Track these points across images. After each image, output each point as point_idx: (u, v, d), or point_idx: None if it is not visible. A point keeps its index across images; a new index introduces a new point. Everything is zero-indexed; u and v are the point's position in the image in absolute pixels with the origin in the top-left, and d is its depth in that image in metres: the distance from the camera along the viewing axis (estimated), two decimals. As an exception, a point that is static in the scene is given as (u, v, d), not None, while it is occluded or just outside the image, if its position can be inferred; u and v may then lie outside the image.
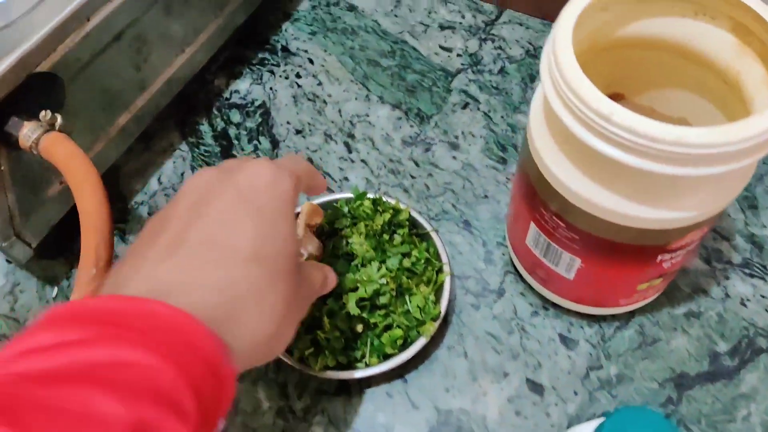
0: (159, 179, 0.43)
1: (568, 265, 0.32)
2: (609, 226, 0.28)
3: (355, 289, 0.33)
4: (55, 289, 0.39)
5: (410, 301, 0.34)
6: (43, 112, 0.31)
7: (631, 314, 0.37)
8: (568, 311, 0.37)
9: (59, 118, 0.32)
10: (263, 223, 0.23)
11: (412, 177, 0.43)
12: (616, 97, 0.34)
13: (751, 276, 0.39)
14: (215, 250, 0.22)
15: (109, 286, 0.22)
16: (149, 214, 0.42)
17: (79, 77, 0.34)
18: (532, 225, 0.32)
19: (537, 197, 0.30)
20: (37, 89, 0.32)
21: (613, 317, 0.37)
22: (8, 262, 0.40)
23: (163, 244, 0.22)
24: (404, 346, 0.33)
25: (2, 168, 0.32)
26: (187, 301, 0.20)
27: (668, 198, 0.26)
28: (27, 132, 0.30)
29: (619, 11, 0.29)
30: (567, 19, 0.26)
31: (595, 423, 0.28)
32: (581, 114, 0.24)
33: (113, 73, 0.37)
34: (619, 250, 0.29)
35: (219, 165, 0.26)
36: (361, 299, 0.33)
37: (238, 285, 0.22)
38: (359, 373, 0.33)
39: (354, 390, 0.35)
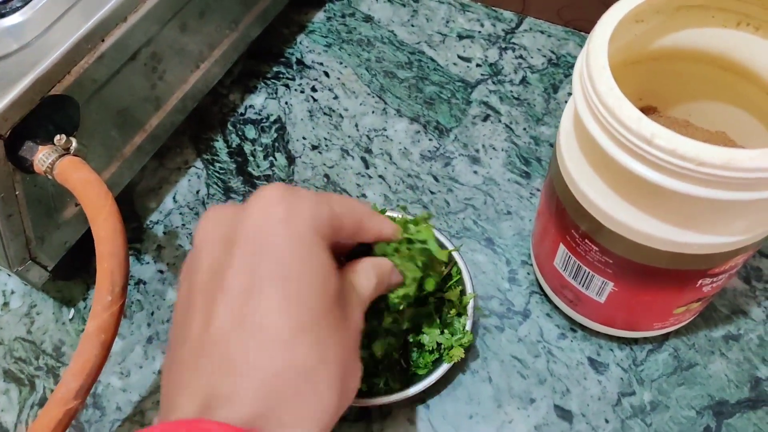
0: (174, 197, 0.42)
1: (599, 288, 0.31)
2: (647, 250, 0.26)
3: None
4: (72, 310, 0.39)
5: (438, 327, 0.32)
6: (57, 136, 0.31)
7: (665, 337, 0.35)
8: (598, 334, 0.35)
9: (74, 142, 0.31)
10: (288, 281, 0.21)
11: (432, 192, 0.41)
12: (649, 110, 0.33)
13: (792, 295, 0.37)
14: (248, 338, 0.20)
15: (163, 408, 0.21)
16: (164, 233, 0.41)
17: (94, 98, 0.33)
18: (561, 246, 0.31)
19: (567, 218, 0.29)
20: (51, 112, 0.31)
21: (646, 340, 0.35)
22: (24, 284, 0.39)
23: (195, 340, 0.21)
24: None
25: (17, 193, 0.31)
26: (231, 411, 0.19)
27: (713, 222, 0.25)
28: (42, 157, 0.30)
29: (656, 22, 0.27)
30: (601, 35, 0.24)
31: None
32: (620, 136, 0.23)
33: (128, 92, 0.36)
34: (656, 274, 0.28)
35: (228, 204, 0.24)
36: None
37: (284, 374, 0.20)
38: (380, 400, 0.31)
39: (375, 416, 0.34)
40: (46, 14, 0.32)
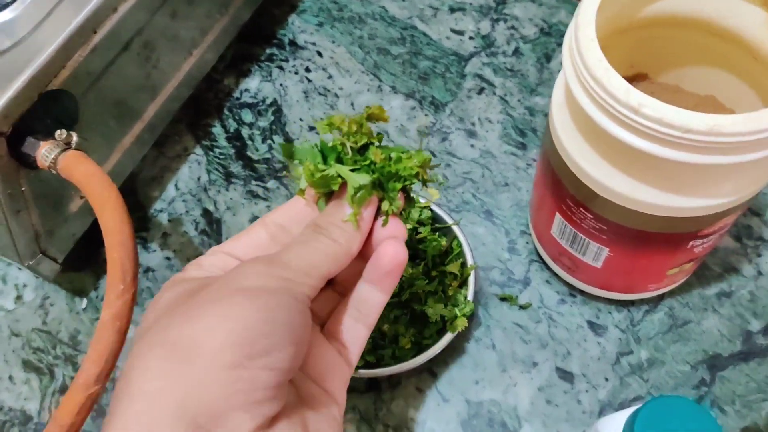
0: (176, 185, 0.43)
1: (595, 254, 0.32)
2: (639, 216, 0.27)
3: None
4: (84, 300, 0.40)
5: (441, 298, 0.34)
6: (58, 131, 0.31)
7: (661, 297, 0.37)
8: (596, 298, 0.37)
9: (75, 136, 0.32)
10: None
11: (430, 168, 0.42)
12: (639, 77, 0.33)
13: (783, 251, 0.38)
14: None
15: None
16: (169, 221, 0.42)
17: (91, 91, 0.34)
18: (558, 215, 0.32)
19: (562, 188, 0.30)
20: (50, 107, 0.31)
21: (642, 301, 0.37)
22: (36, 276, 0.40)
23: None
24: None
25: (23, 189, 0.32)
26: None
27: (701, 186, 0.25)
28: (44, 152, 0.30)
29: (643, -9, 0.28)
30: (590, 7, 0.25)
31: (627, 412, 0.28)
32: (608, 106, 0.23)
33: (124, 83, 0.36)
34: (648, 238, 0.29)
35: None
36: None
37: None
38: (388, 370, 0.33)
39: (384, 386, 0.35)
40: (36, 9, 0.32)
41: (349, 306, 0.23)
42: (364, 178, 0.21)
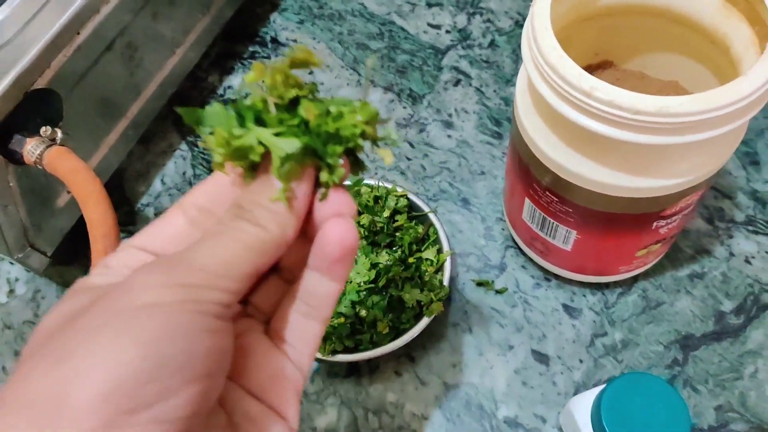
0: (162, 180, 0.44)
1: (564, 237, 0.33)
2: (601, 197, 0.28)
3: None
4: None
5: (417, 283, 0.35)
6: (43, 128, 0.32)
7: (634, 279, 0.37)
8: (570, 281, 0.38)
9: (59, 133, 0.33)
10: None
11: (408, 159, 0.43)
12: (605, 64, 0.34)
13: (756, 233, 0.38)
14: None
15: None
16: (155, 215, 0.43)
17: (76, 90, 0.35)
18: (527, 200, 0.33)
19: (529, 173, 0.31)
20: (35, 106, 0.33)
21: (616, 284, 0.38)
22: (27, 270, 0.41)
23: None
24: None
25: (11, 184, 0.33)
26: None
27: (658, 166, 0.26)
28: (30, 148, 0.31)
29: (600, -21, 0.29)
30: (544, -5, 0.26)
31: (597, 390, 0.29)
32: (563, 91, 0.24)
33: (108, 81, 0.37)
34: (613, 220, 0.30)
35: None
36: (364, 283, 0.34)
37: None
38: (367, 354, 0.34)
39: (363, 371, 0.36)
40: (23, 11, 0.33)
41: (297, 299, 0.18)
42: (292, 144, 0.16)
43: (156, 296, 0.15)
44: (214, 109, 0.17)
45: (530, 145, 0.29)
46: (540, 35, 0.25)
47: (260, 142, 0.17)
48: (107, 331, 0.14)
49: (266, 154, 0.17)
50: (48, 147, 0.32)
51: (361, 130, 0.17)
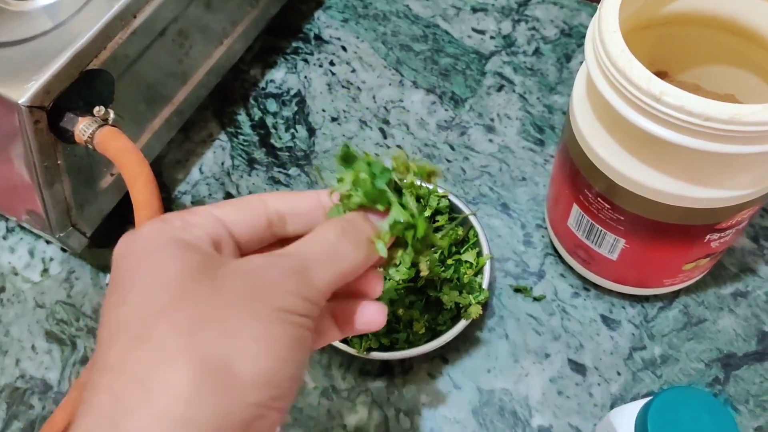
0: (200, 169, 0.44)
1: (611, 246, 0.32)
2: (656, 206, 0.28)
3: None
4: (108, 276, 0.41)
5: (456, 285, 0.34)
6: (96, 108, 0.32)
7: (675, 294, 0.37)
8: (610, 292, 0.37)
9: (112, 113, 0.33)
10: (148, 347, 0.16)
11: (448, 161, 0.43)
12: (660, 75, 0.34)
13: (799, 254, 0.38)
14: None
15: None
16: (192, 203, 0.43)
17: (127, 73, 0.35)
18: (575, 206, 0.32)
19: (580, 178, 0.30)
20: (89, 86, 0.33)
21: (657, 297, 0.37)
22: (63, 250, 0.42)
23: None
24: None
25: (59, 162, 0.33)
26: None
27: (721, 176, 0.26)
28: (82, 127, 0.32)
29: (666, -13, 0.28)
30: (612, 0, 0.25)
31: (640, 403, 0.29)
32: (630, 95, 0.24)
33: (158, 67, 0.37)
34: (665, 230, 0.29)
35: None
36: (404, 281, 0.33)
37: None
38: (401, 354, 0.33)
39: (396, 371, 0.36)
40: (79, -7, 0.34)
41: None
42: (407, 217, 0.22)
43: (291, 305, 0.18)
44: (363, 159, 0.22)
45: (586, 150, 0.29)
46: (608, 38, 0.25)
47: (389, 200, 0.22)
48: (268, 328, 0.17)
49: (383, 211, 0.22)
50: (100, 127, 0.32)
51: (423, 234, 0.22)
